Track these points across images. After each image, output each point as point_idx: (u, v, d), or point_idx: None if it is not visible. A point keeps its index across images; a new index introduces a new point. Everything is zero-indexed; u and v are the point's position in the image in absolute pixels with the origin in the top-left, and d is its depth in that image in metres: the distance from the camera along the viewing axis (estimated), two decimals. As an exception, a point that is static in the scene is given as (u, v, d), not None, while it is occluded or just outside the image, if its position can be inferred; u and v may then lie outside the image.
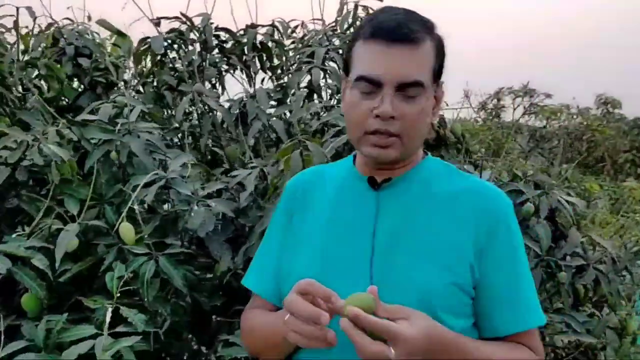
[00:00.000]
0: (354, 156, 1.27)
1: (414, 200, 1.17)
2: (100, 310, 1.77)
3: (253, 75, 3.06)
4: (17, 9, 2.22)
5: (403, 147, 1.11)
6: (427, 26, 1.12)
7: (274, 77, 3.15)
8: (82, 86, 2.94)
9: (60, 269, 1.83)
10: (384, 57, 1.06)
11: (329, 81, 2.59)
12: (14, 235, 1.70)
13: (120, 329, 1.70)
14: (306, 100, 2.51)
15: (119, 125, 1.99)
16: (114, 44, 3.32)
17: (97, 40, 3.12)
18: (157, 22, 2.64)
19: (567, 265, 2.27)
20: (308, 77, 2.71)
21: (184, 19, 2.65)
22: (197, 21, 2.70)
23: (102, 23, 3.22)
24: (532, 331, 1.17)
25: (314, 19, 3.18)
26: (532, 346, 1.17)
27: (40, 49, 2.85)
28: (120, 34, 3.21)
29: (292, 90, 2.46)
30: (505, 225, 1.15)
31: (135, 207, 1.73)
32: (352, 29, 3.16)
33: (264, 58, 3.10)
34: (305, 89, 2.56)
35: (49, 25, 3.02)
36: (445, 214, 1.15)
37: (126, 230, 1.76)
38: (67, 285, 1.94)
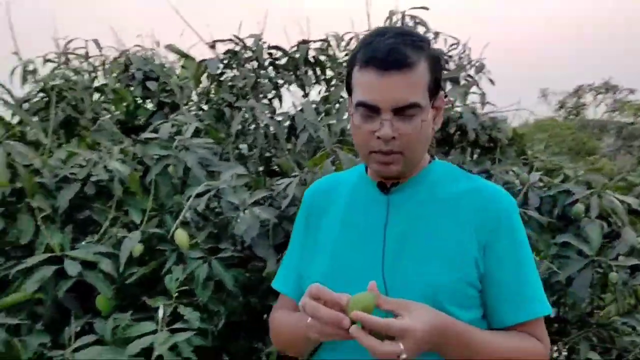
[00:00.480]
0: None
1: (421, 203, 1.24)
2: (165, 309, 1.97)
3: (307, 89, 3.21)
4: (86, 41, 2.47)
5: (405, 162, 1.19)
6: (420, 46, 1.17)
7: (329, 89, 3.29)
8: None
9: (127, 272, 2.06)
10: (379, 85, 1.13)
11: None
12: (84, 243, 1.91)
13: (178, 325, 1.88)
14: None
15: (176, 142, 2.18)
16: (182, 67, 3.59)
17: (166, 64, 3.40)
18: (212, 45, 2.84)
19: (620, 265, 2.22)
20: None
21: (237, 41, 2.84)
22: (250, 42, 2.88)
23: (171, 48, 3.50)
24: (537, 321, 1.21)
25: (366, 31, 3.28)
26: (538, 335, 1.21)
27: (113, 75, 3.16)
28: (187, 56, 3.48)
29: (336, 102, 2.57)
30: (507, 222, 1.21)
31: (188, 215, 1.89)
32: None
33: (318, 71, 3.26)
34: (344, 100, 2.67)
35: (122, 52, 3.33)
36: (450, 215, 1.21)
37: (180, 236, 1.94)
38: (134, 287, 2.15)
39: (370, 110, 1.14)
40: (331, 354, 1.22)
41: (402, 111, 1.13)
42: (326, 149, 2.26)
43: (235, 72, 3.02)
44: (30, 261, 1.81)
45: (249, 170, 2.55)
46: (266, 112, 2.61)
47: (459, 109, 2.87)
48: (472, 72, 3.36)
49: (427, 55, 1.18)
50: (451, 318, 1.12)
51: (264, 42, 2.97)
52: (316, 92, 3.31)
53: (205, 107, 3.23)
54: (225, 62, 2.88)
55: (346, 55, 3.42)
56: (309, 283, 1.17)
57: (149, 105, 3.26)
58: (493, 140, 3.06)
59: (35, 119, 2.40)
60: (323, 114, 2.73)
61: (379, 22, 3.32)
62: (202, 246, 2.06)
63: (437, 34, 3.38)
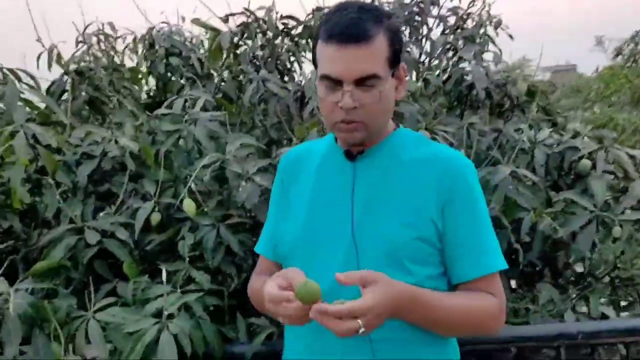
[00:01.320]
0: None
1: (384, 168, 1.33)
2: (179, 273, 2.15)
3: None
4: (102, 24, 2.62)
5: (368, 129, 1.27)
6: (379, 20, 1.24)
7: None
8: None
9: (147, 239, 2.24)
10: (339, 57, 1.20)
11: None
12: (102, 214, 2.09)
13: (190, 287, 2.05)
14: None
15: (186, 116, 2.31)
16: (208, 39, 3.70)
17: (192, 39, 3.52)
18: (224, 19, 2.93)
19: (625, 220, 2.22)
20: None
21: (248, 14, 2.92)
22: (261, 13, 2.96)
23: (196, 22, 3.61)
24: (493, 276, 1.29)
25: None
26: (494, 290, 1.29)
27: (140, 53, 3.31)
28: (213, 29, 3.58)
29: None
30: (463, 182, 1.29)
31: (193, 185, 2.04)
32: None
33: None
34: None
35: (148, 30, 3.47)
36: (410, 178, 1.30)
37: (188, 205, 2.09)
38: (156, 254, 2.33)
39: (333, 82, 1.22)
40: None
41: (362, 82, 1.21)
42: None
43: (251, 43, 3.11)
44: (55, 232, 2.01)
45: (260, 140, 2.67)
46: (277, 82, 2.70)
47: (468, 68, 2.87)
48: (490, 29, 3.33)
49: (386, 29, 1.24)
50: (408, 286, 1.19)
51: (277, 13, 3.04)
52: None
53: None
54: (239, 35, 2.96)
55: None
56: (284, 241, 1.34)
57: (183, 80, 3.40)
58: (510, 98, 3.05)
59: (64, 100, 2.59)
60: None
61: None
62: (213, 214, 2.21)
63: (452, -9, 3.35)
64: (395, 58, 1.26)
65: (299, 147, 1.54)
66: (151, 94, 3.44)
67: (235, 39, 2.98)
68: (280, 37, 3.09)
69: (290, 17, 3.09)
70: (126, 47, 3.34)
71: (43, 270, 1.98)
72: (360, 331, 1.08)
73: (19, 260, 2.27)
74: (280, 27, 3.10)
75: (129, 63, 3.40)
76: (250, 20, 2.97)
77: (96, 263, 2.19)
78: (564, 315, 2.22)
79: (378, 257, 1.25)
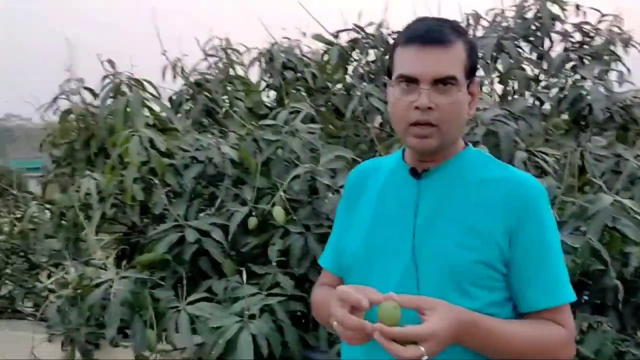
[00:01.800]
0: (404, 149, 1.45)
1: (449, 187, 1.29)
2: (267, 276, 2.26)
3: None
4: (220, 39, 2.83)
5: (441, 136, 1.23)
6: (459, 31, 1.24)
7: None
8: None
9: (243, 242, 2.39)
10: (418, 57, 1.20)
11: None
12: (202, 215, 2.26)
13: (275, 290, 2.15)
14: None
15: (286, 127, 2.43)
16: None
17: (309, 54, 3.68)
18: (335, 35, 3.03)
19: None
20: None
21: (357, 29, 2.99)
22: (372, 29, 3.01)
23: (317, 37, 3.76)
24: (563, 307, 1.23)
25: (492, 9, 3.21)
26: (563, 321, 1.23)
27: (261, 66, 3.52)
28: (331, 44, 3.71)
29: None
30: (534, 209, 1.23)
31: (282, 194, 2.14)
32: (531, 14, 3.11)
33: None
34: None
35: (272, 45, 3.67)
36: (476, 199, 1.25)
37: (277, 213, 2.19)
38: (253, 256, 2.46)
39: (410, 81, 1.21)
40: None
41: (439, 83, 1.19)
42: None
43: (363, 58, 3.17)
44: (160, 228, 2.21)
45: (367, 154, 2.72)
46: (381, 97, 2.73)
47: (587, 87, 2.68)
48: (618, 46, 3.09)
49: (465, 40, 1.25)
50: (469, 312, 1.16)
51: (388, 28, 3.07)
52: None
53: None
54: (349, 50, 3.04)
55: (479, 37, 3.37)
56: (344, 259, 1.35)
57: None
58: (635, 121, 2.81)
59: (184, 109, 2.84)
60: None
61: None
62: (304, 222, 2.30)
63: (578, 7, 3.16)
64: (471, 70, 1.25)
65: (367, 162, 1.54)
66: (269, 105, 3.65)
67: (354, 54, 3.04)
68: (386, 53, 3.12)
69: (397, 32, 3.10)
70: (252, 62, 3.58)
71: (147, 262, 2.18)
72: (424, 358, 1.07)
73: (137, 251, 2.54)
74: (391, 42, 3.12)
75: (253, 77, 3.64)
76: (360, 36, 3.03)
77: (202, 260, 2.37)
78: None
79: (438, 278, 1.22)
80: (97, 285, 2.08)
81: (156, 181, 2.16)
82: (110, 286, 1.98)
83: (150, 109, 2.57)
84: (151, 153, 2.15)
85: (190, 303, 2.09)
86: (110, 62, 2.64)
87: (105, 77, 2.67)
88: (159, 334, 2.08)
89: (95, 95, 2.68)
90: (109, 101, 2.55)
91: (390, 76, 1.31)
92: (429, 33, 1.21)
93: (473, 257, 1.21)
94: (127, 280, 2.04)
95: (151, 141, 2.27)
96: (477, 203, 1.25)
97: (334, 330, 1.33)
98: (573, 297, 1.24)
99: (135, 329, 2.03)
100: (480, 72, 2.91)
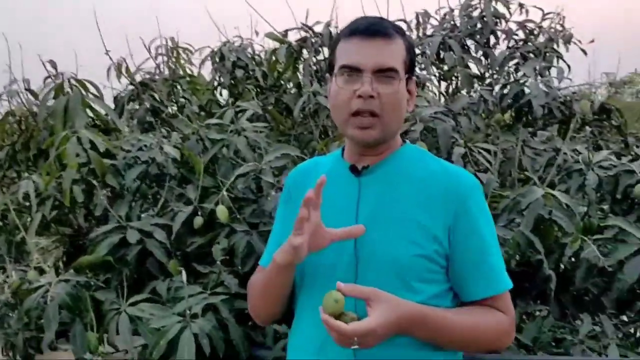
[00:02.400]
0: (343, 147, 1.45)
1: (389, 184, 1.32)
2: (211, 275, 2.25)
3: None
4: (166, 39, 2.81)
5: (382, 127, 1.26)
6: (398, 29, 1.28)
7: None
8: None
9: (189, 241, 2.38)
10: (361, 48, 1.24)
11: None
12: (144, 215, 2.24)
13: (219, 289, 2.15)
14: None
15: (231, 126, 2.43)
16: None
17: (259, 52, 3.68)
18: (284, 34, 3.04)
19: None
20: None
21: (306, 28, 3.00)
22: (320, 28, 3.03)
23: (269, 35, 3.76)
24: (503, 295, 1.30)
25: (441, 8, 3.27)
26: (504, 308, 1.29)
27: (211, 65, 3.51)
28: (284, 42, 3.71)
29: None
30: (471, 203, 1.28)
31: (226, 193, 2.14)
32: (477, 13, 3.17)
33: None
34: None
35: (224, 43, 3.66)
36: (416, 195, 1.29)
37: (221, 212, 2.19)
38: (200, 256, 2.45)
39: (353, 70, 1.24)
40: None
41: (381, 73, 1.23)
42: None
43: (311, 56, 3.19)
44: (101, 229, 2.18)
45: (313, 151, 2.73)
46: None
47: (529, 84, 2.75)
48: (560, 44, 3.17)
49: (404, 39, 1.29)
50: (417, 305, 1.21)
51: (336, 27, 3.09)
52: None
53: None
54: (297, 49, 3.05)
55: (427, 35, 3.42)
56: None
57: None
58: (574, 117, 2.89)
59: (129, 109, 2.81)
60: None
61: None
62: (249, 221, 2.30)
63: (521, 5, 3.24)
64: (410, 67, 1.29)
65: (306, 162, 1.54)
66: (222, 104, 3.63)
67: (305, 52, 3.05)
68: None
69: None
70: (203, 61, 3.56)
71: (87, 264, 2.15)
72: (354, 347, 1.12)
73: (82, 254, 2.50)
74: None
75: (206, 75, 3.62)
76: (308, 35, 3.05)
77: (149, 261, 2.35)
78: (608, 350, 2.06)
79: (383, 273, 1.25)
80: (36, 289, 2.04)
81: (95, 183, 2.13)
82: (48, 290, 1.95)
83: (93, 110, 2.54)
84: (91, 154, 2.12)
85: (132, 305, 2.07)
86: (52, 62, 2.60)
87: (47, 77, 2.62)
88: (101, 336, 2.06)
89: (36, 96, 2.62)
90: (50, 102, 2.50)
91: (331, 72, 1.34)
92: (371, 26, 1.26)
93: (416, 251, 1.25)
94: (66, 284, 2.01)
95: (92, 142, 2.23)
96: (417, 198, 1.29)
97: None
98: (510, 285, 1.30)
99: (75, 332, 2.01)
100: (426, 70, 2.97)
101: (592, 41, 3.22)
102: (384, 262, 1.25)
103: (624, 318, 2.35)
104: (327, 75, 1.39)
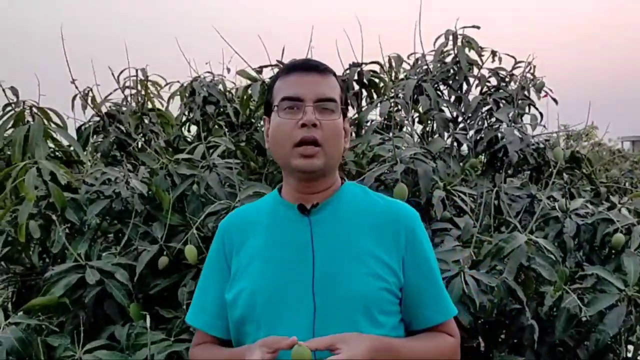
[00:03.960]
0: (279, 189, 1.40)
1: (340, 220, 1.32)
2: (176, 321, 2.11)
3: (362, 109, 3.25)
4: (137, 70, 2.72)
5: (325, 157, 1.26)
6: (331, 70, 1.33)
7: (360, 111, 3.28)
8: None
9: (152, 283, 2.23)
10: (301, 80, 1.27)
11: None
12: (104, 254, 2.10)
13: (184, 336, 2.00)
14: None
15: (202, 162, 2.32)
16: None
17: (231, 88, 3.61)
18: (259, 71, 2.98)
19: (663, 303, 2.00)
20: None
21: (281, 66, 2.95)
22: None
23: (241, 73, 3.70)
24: (451, 319, 1.38)
25: (413, 53, 3.28)
26: (452, 331, 1.37)
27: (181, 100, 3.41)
28: (255, 81, 3.66)
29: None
30: (417, 234, 1.34)
31: (195, 232, 2.02)
32: (450, 59, 3.20)
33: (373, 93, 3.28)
34: (375, 122, 2.68)
35: (195, 78, 3.58)
36: (368, 229, 1.31)
37: (189, 251, 2.06)
38: (164, 299, 2.30)
39: (294, 102, 1.25)
40: None
41: (322, 103, 1.26)
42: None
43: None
44: (58, 269, 2.02)
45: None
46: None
47: (503, 130, 2.76)
48: (532, 92, 3.22)
49: (337, 79, 1.34)
50: (380, 337, 1.23)
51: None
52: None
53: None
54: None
55: (405, 77, 3.42)
56: (236, 309, 1.29)
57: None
58: (547, 164, 2.90)
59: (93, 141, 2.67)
60: (353, 135, 2.76)
61: (430, 40, 3.30)
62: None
63: (494, 53, 3.28)
64: (345, 105, 1.33)
65: (237, 211, 1.49)
66: (189, 140, 3.52)
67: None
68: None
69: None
70: (172, 95, 3.46)
71: (40, 305, 1.98)
72: None
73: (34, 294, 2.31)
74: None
75: (174, 110, 3.52)
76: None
77: (107, 303, 2.18)
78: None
79: (349, 308, 1.24)
80: (-18, 333, 1.85)
81: (54, 218, 1.98)
82: (-5, 334, 1.77)
83: (55, 140, 2.40)
84: (51, 186, 1.98)
85: (89, 352, 1.90)
86: (14, 89, 2.46)
87: (6, 105, 2.47)
88: (52, 386, 1.88)
89: (-6, 124, 2.47)
90: (9, 131, 2.35)
91: (269, 113, 1.34)
92: (308, 62, 1.34)
93: (379, 284, 1.26)
94: (15, 327, 1.84)
95: (52, 174, 2.09)
96: (369, 232, 1.30)
97: None
98: (456, 310, 1.40)
99: (24, 382, 1.82)
100: (401, 113, 2.95)
101: (546, 95, 3.27)
102: (348, 297, 1.25)
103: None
104: (264, 117, 1.38)
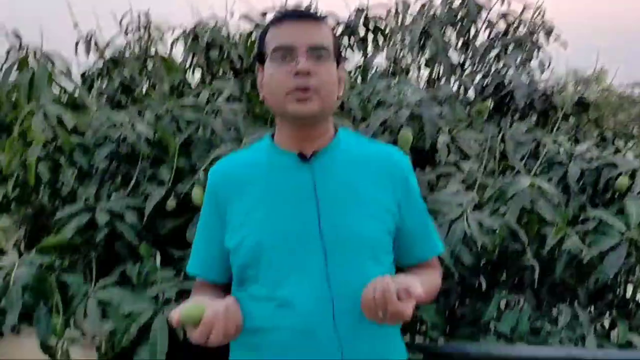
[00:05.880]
0: (271, 136, 1.40)
1: (341, 165, 1.33)
2: (184, 260, 2.16)
3: (368, 54, 3.21)
4: (139, 14, 2.69)
5: (321, 101, 1.24)
6: (324, 18, 1.31)
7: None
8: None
9: (161, 224, 2.27)
10: (294, 28, 1.24)
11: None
12: (113, 196, 2.13)
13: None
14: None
15: (207, 107, 2.33)
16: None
17: (235, 33, 3.56)
18: (263, 15, 2.94)
19: (662, 244, 2.03)
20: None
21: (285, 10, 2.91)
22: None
23: (246, 17, 3.65)
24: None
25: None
26: (436, 264, 1.46)
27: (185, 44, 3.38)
28: (258, 26, 3.61)
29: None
30: (410, 176, 1.38)
31: (201, 175, 2.04)
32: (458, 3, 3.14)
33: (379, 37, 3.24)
34: (381, 67, 2.66)
35: (198, 23, 3.53)
36: (367, 174, 1.33)
37: (197, 194, 2.09)
38: (173, 239, 2.35)
39: (287, 50, 1.23)
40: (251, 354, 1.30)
41: (315, 51, 1.23)
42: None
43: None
44: (68, 210, 2.06)
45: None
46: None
47: (510, 75, 2.73)
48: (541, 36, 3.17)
49: (330, 27, 1.32)
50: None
51: (315, 10, 3.01)
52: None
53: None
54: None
55: (412, 21, 3.36)
56: (240, 255, 1.29)
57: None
58: (554, 108, 2.89)
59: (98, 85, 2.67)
60: (359, 80, 2.74)
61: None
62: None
63: (503, -4, 3.21)
64: (337, 53, 1.31)
65: (227, 159, 1.47)
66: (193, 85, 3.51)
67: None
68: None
69: (330, 15, 3.05)
70: (175, 40, 3.43)
71: (52, 245, 2.03)
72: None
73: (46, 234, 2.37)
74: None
75: (178, 55, 3.49)
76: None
77: (117, 243, 2.24)
78: (586, 340, 2.06)
79: (353, 252, 1.26)
80: (-3, 271, 1.91)
81: (63, 161, 2.01)
82: (11, 271, 1.82)
83: (60, 85, 2.40)
84: (58, 130, 2.00)
85: (101, 288, 1.96)
86: (16, 33, 2.44)
87: (10, 49, 2.46)
88: (67, 320, 1.95)
89: (-1, 69, 2.47)
90: (13, 75, 2.35)
91: (262, 62, 1.31)
92: (300, 10, 1.31)
93: (382, 227, 1.30)
94: (30, 265, 1.89)
95: (58, 117, 2.11)
96: (369, 177, 1.33)
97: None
98: (443, 247, 1.48)
99: (40, 315, 1.89)
100: (407, 58, 2.92)
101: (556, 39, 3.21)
102: (355, 240, 1.28)
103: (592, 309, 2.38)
104: (257, 67, 1.36)
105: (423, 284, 1.25)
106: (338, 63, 1.31)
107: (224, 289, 1.42)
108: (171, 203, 2.26)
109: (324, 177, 1.31)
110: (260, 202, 1.33)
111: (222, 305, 1.14)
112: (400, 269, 1.40)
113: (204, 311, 1.11)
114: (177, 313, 1.11)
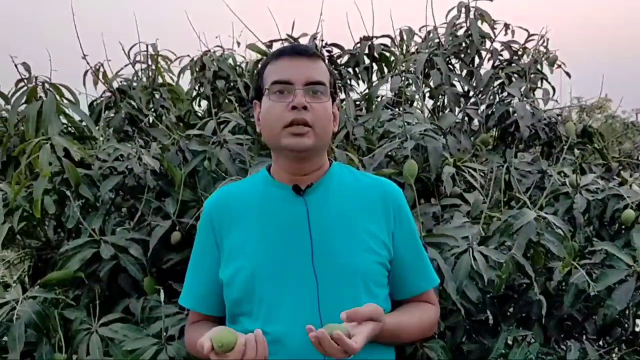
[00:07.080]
0: (268, 169, 1.42)
1: (333, 199, 1.37)
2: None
3: (372, 83, 3.23)
4: (147, 45, 2.72)
5: (316, 138, 1.29)
6: (320, 54, 1.41)
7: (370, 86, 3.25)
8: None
9: (165, 258, 2.26)
10: (291, 64, 1.31)
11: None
12: (119, 229, 2.13)
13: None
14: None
15: (213, 138, 2.34)
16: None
17: (241, 62, 3.59)
18: (268, 45, 2.97)
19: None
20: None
21: (291, 40, 2.94)
22: (305, 40, 2.97)
23: (252, 47, 3.68)
24: (432, 289, 1.49)
25: (425, 26, 3.24)
26: (433, 299, 1.48)
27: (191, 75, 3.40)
28: (265, 55, 3.64)
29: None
30: (404, 209, 1.41)
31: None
32: (462, 32, 3.16)
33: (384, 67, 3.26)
34: (385, 97, 2.67)
35: (205, 52, 3.57)
36: (360, 206, 1.37)
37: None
38: (178, 273, 2.34)
39: (284, 85, 1.29)
40: None
41: (312, 86, 1.29)
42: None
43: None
44: (73, 243, 2.06)
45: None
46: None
47: (514, 105, 2.74)
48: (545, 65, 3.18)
49: (325, 64, 1.38)
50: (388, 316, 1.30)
51: (322, 40, 3.04)
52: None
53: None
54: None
55: (416, 51, 3.38)
56: (233, 290, 1.33)
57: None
58: (559, 138, 2.89)
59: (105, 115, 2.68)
60: (364, 110, 2.75)
61: (442, 13, 3.25)
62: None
63: (507, 26, 3.23)
64: (333, 88, 1.37)
65: (223, 190, 1.51)
66: (200, 114, 3.52)
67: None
68: (324, 65, 3.08)
69: (335, 45, 3.08)
70: (182, 70, 3.46)
71: (57, 280, 2.02)
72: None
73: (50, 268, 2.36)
74: (325, 54, 3.09)
75: (184, 85, 3.51)
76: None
77: (121, 277, 2.23)
78: (594, 377, 2.03)
79: (345, 283, 1.30)
80: (1, 306, 1.90)
81: (69, 193, 2.01)
82: (14, 307, 1.82)
83: (68, 116, 2.42)
84: (64, 162, 2.01)
85: (104, 324, 1.95)
86: (26, 64, 2.47)
87: (19, 80, 2.49)
88: (69, 357, 1.93)
89: (7, 100, 2.49)
90: (22, 107, 2.37)
91: (259, 97, 1.38)
92: (297, 47, 1.39)
93: (375, 258, 1.33)
94: (33, 301, 1.88)
95: (65, 150, 2.12)
96: (362, 209, 1.36)
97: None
98: (438, 280, 1.51)
99: (42, 353, 1.88)
100: (412, 88, 2.93)
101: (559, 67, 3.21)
102: (347, 271, 1.30)
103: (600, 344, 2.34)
104: (255, 102, 1.42)
105: (402, 322, 1.33)
106: (333, 99, 1.37)
107: (218, 322, 1.42)
108: (176, 236, 2.25)
109: (317, 210, 1.34)
110: (255, 233, 1.35)
111: (252, 333, 1.17)
112: (398, 302, 1.43)
113: (237, 337, 1.13)
114: (208, 339, 1.11)
